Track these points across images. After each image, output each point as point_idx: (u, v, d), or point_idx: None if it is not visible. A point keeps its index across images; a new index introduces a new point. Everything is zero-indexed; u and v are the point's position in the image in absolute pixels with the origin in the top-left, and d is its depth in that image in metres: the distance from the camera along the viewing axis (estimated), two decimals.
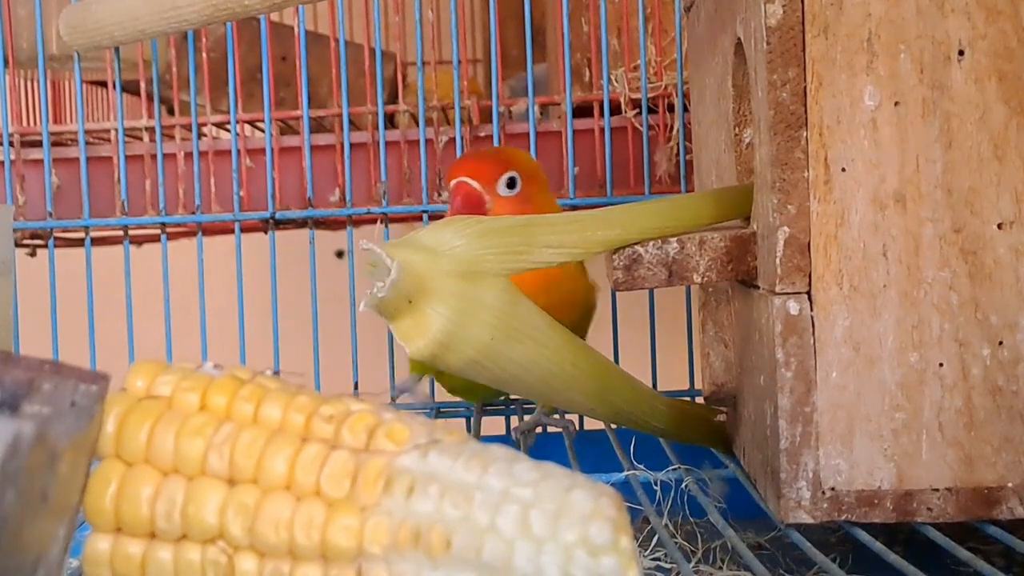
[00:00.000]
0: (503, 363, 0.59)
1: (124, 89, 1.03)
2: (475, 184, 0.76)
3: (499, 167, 0.77)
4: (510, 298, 0.59)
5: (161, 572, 0.45)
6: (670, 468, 0.69)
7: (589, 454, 0.75)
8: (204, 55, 1.01)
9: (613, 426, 0.80)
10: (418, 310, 0.57)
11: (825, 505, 0.54)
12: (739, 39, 0.61)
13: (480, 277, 0.58)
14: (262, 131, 1.09)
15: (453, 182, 0.77)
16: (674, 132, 0.99)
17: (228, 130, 1.03)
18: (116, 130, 0.99)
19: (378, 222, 0.99)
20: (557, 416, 0.84)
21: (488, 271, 0.59)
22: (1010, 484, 0.54)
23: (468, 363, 0.58)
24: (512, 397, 0.97)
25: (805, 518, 0.55)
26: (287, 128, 1.12)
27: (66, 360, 0.43)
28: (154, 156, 0.99)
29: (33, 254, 1.09)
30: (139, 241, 1.11)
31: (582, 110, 1.03)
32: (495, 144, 0.97)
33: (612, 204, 0.95)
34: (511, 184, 0.77)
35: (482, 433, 0.88)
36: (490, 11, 0.95)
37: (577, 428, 0.86)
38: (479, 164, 0.78)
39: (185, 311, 0.99)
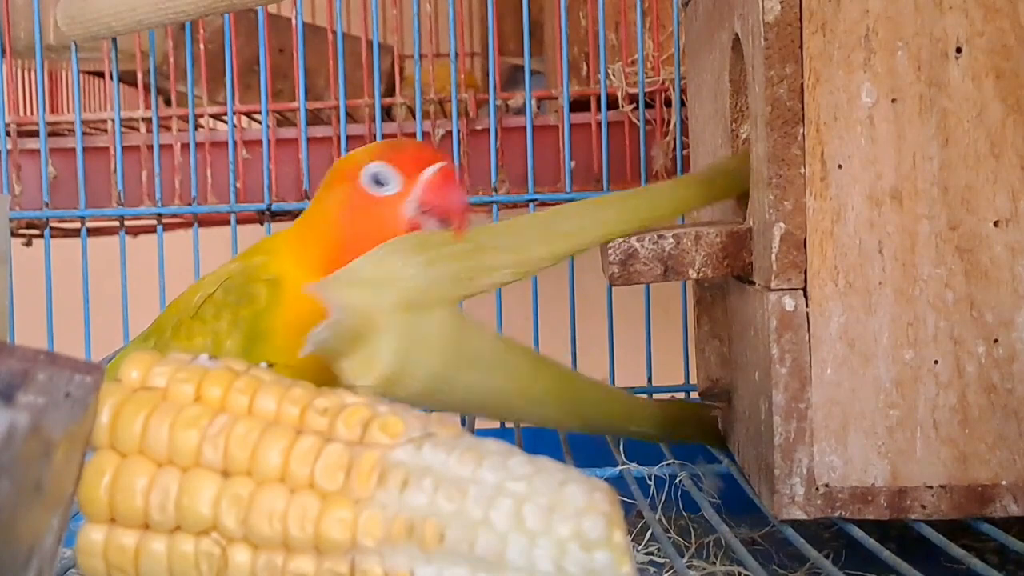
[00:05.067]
0: (457, 390, 0.59)
1: (121, 80, 1.02)
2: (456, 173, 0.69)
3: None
4: (457, 325, 0.59)
5: (154, 563, 0.45)
6: (664, 463, 0.69)
7: (583, 449, 0.75)
8: (201, 46, 1.00)
9: None
10: (364, 347, 0.56)
11: (819, 501, 0.54)
12: (737, 35, 0.61)
13: (427, 307, 0.58)
14: (259, 123, 1.09)
15: (437, 165, 0.64)
16: (671, 127, 0.99)
17: (225, 121, 1.03)
18: (113, 121, 0.98)
19: None
20: None
21: (435, 301, 0.58)
22: (1004, 482, 0.54)
23: (420, 394, 0.57)
24: None
25: (799, 514, 0.55)
26: (284, 120, 1.12)
27: (61, 350, 0.43)
28: (151, 147, 0.99)
29: (29, 244, 1.09)
30: (135, 232, 1.11)
31: (579, 104, 1.03)
32: (493, 138, 0.97)
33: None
34: None
35: (476, 427, 0.88)
36: (488, 5, 0.95)
37: None
38: (444, 154, 0.70)
39: None
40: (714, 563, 0.68)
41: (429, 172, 0.62)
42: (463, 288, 0.59)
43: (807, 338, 0.54)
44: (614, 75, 1.00)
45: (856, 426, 0.54)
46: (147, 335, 0.67)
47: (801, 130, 0.54)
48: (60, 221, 1.00)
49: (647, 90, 0.99)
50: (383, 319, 0.56)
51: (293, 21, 0.99)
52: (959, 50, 0.54)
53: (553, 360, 0.66)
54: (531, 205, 0.96)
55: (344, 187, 0.64)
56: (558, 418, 0.65)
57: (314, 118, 1.07)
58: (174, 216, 1.01)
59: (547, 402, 0.63)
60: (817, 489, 0.54)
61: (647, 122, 0.99)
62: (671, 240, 0.60)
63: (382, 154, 0.64)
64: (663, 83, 1.00)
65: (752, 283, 0.59)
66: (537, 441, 0.79)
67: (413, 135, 1.01)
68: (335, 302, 0.56)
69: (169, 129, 1.04)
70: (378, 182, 0.62)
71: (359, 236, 0.60)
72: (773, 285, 0.54)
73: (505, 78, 1.23)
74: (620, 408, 0.68)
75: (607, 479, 0.65)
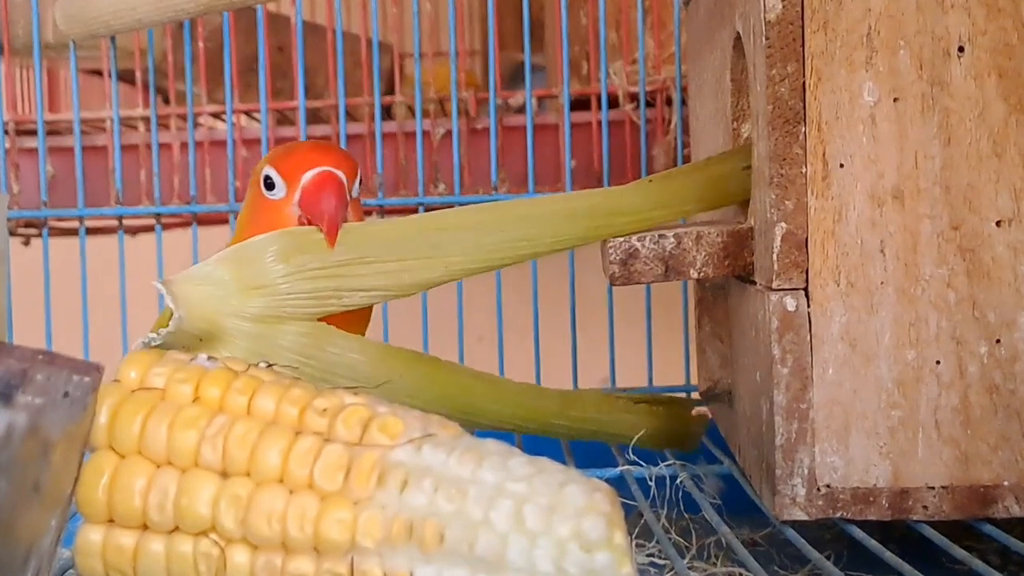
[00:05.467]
0: None
1: (120, 78, 1.02)
2: (343, 177, 0.62)
3: (355, 163, 0.64)
4: (315, 341, 0.57)
5: (153, 564, 0.45)
6: (665, 463, 0.69)
7: (584, 449, 0.75)
8: (200, 45, 1.00)
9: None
10: (210, 350, 0.55)
11: (820, 502, 0.54)
12: (738, 33, 0.61)
13: (282, 321, 0.56)
14: (258, 121, 1.09)
15: (316, 170, 0.61)
16: (672, 126, 0.99)
17: (224, 120, 1.02)
18: (111, 119, 0.98)
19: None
20: None
21: (291, 317, 0.57)
22: (1006, 483, 0.54)
23: None
24: None
25: (800, 515, 0.54)
26: (283, 119, 1.12)
27: (60, 350, 0.43)
28: (149, 146, 0.98)
29: (27, 243, 1.08)
30: (134, 231, 1.11)
31: (580, 103, 1.03)
32: (493, 137, 0.96)
33: None
34: (359, 184, 0.65)
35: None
36: (488, 3, 0.95)
37: None
38: (340, 157, 0.63)
39: None
40: (715, 564, 0.68)
41: (307, 177, 0.61)
42: (325, 307, 0.58)
43: (808, 338, 0.54)
44: (615, 74, 1.00)
45: (858, 426, 0.54)
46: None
47: (803, 129, 0.54)
48: (58, 220, 1.00)
49: (648, 89, 0.99)
50: (230, 325, 0.55)
51: (292, 19, 0.99)
52: (961, 49, 0.53)
53: (448, 362, 0.64)
54: None
55: (252, 191, 0.64)
56: (458, 418, 0.64)
57: (314, 117, 1.07)
58: (173, 215, 1.00)
59: (443, 405, 0.61)
60: (818, 490, 0.54)
61: (648, 121, 0.99)
62: (672, 240, 0.60)
63: (273, 158, 0.63)
64: (664, 82, 1.00)
65: (753, 283, 0.59)
66: (537, 442, 0.79)
67: (413, 134, 1.00)
68: (180, 300, 0.55)
69: (168, 128, 1.04)
70: (268, 186, 0.62)
71: None
72: (774, 285, 0.54)
73: (507, 74, 1.23)
74: (532, 404, 0.67)
75: (607, 479, 0.65)
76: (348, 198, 0.61)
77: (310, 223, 0.60)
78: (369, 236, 0.60)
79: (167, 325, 0.63)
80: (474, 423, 0.65)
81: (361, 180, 0.64)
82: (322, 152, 0.63)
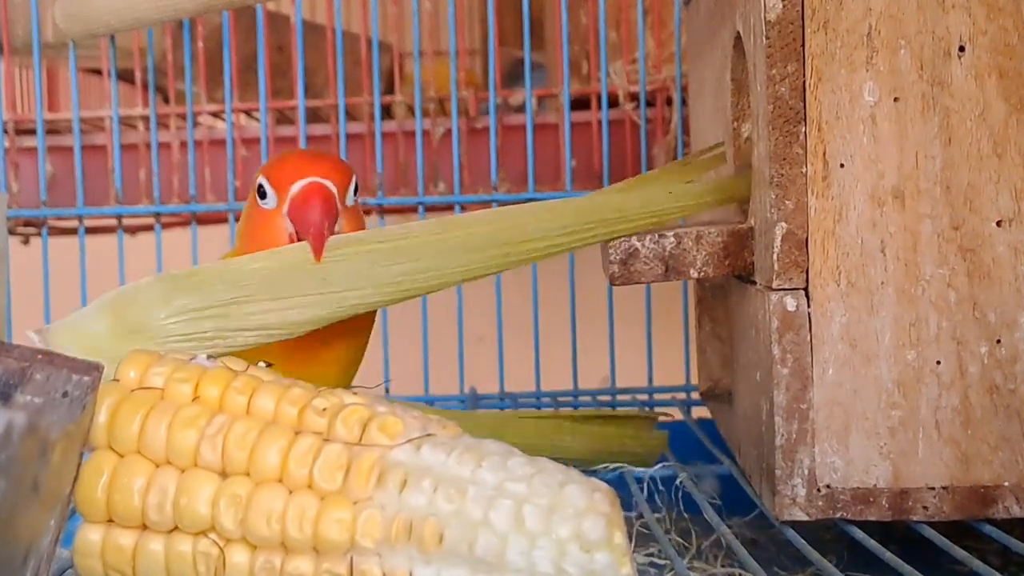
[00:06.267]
0: None
1: (119, 78, 1.02)
2: (333, 188, 0.60)
3: (348, 171, 0.62)
4: None
5: (152, 563, 0.45)
6: (665, 464, 0.69)
7: None
8: (200, 44, 1.00)
9: None
10: None
11: (820, 503, 0.54)
12: (738, 33, 0.61)
13: None
14: (258, 121, 1.09)
15: (304, 181, 0.59)
16: (672, 126, 0.99)
17: (223, 119, 1.02)
18: (111, 118, 0.98)
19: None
20: None
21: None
22: (1007, 483, 0.54)
23: None
24: (507, 390, 0.97)
25: (800, 515, 0.54)
26: (283, 118, 1.12)
27: (59, 350, 0.43)
28: (149, 145, 0.98)
29: (27, 242, 1.08)
30: (133, 230, 1.11)
31: (580, 103, 1.03)
32: (492, 137, 0.96)
33: None
34: (355, 191, 0.62)
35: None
36: (488, 2, 0.95)
37: None
38: (331, 165, 0.61)
39: None
40: (715, 564, 0.68)
41: (294, 189, 0.59)
42: (208, 349, 0.56)
43: (808, 338, 0.54)
44: (615, 73, 1.00)
45: (858, 427, 0.54)
46: None
47: (803, 129, 0.54)
48: (58, 219, 1.00)
49: (648, 88, 0.99)
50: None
51: (292, 19, 0.99)
52: (962, 49, 0.53)
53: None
54: None
55: (250, 199, 0.62)
56: None
57: (313, 116, 1.07)
58: (172, 215, 1.00)
59: None
60: (819, 490, 0.54)
61: (648, 121, 0.99)
62: (672, 239, 0.59)
63: (267, 168, 0.62)
64: (664, 82, 1.00)
65: (753, 283, 0.59)
66: None
67: (413, 133, 1.00)
68: (57, 349, 0.52)
69: (167, 127, 1.04)
70: (261, 195, 0.61)
71: (259, 249, 0.59)
72: (775, 285, 0.54)
73: (507, 71, 1.23)
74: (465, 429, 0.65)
75: (607, 480, 0.65)
76: (338, 208, 0.59)
77: (299, 236, 0.59)
78: (252, 273, 0.58)
79: None
80: None
81: (357, 187, 0.62)
82: (312, 161, 0.61)
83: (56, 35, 0.97)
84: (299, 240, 0.59)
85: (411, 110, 1.03)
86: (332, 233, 0.58)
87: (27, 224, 1.04)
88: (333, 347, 0.61)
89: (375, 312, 0.63)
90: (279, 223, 0.60)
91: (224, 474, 0.44)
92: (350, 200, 0.61)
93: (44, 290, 0.96)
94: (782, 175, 0.54)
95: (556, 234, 0.60)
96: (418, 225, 0.60)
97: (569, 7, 0.97)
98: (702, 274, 0.60)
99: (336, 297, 0.57)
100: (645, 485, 0.68)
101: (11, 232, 1.01)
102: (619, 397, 0.97)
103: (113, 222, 1.00)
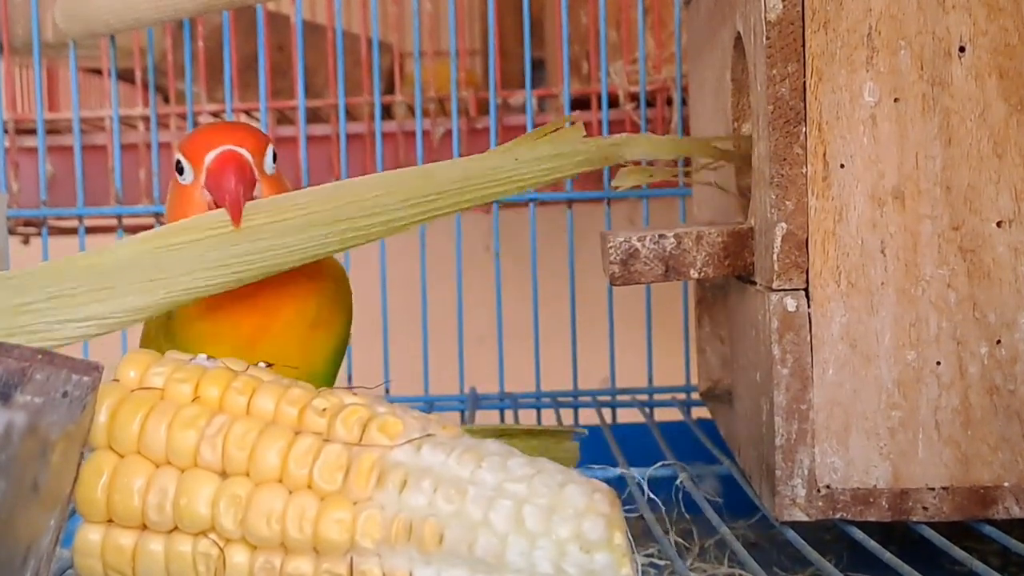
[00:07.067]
0: None
1: (120, 77, 1.02)
2: (248, 155, 0.59)
3: (263, 138, 0.60)
4: None
5: (152, 564, 0.45)
6: (665, 464, 0.69)
7: (584, 450, 0.75)
8: (200, 44, 1.00)
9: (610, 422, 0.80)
10: None
11: (820, 503, 0.54)
12: (739, 33, 0.61)
13: None
14: (258, 121, 1.09)
15: (217, 150, 0.58)
16: (672, 126, 0.99)
17: (224, 119, 1.02)
18: (111, 118, 0.98)
19: None
20: None
21: None
22: (1006, 483, 0.54)
23: None
24: (507, 390, 0.97)
25: (800, 516, 0.54)
26: (283, 118, 1.12)
27: (59, 350, 0.43)
28: (149, 145, 0.98)
29: (27, 242, 1.08)
30: (133, 230, 1.10)
31: (580, 103, 1.02)
32: (493, 137, 0.96)
33: (609, 198, 0.95)
34: (274, 159, 0.61)
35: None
36: (488, 2, 0.95)
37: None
38: (245, 133, 0.60)
39: None
40: (715, 565, 0.68)
41: (208, 158, 0.58)
42: (35, 341, 0.54)
43: (809, 339, 0.54)
44: (615, 73, 1.00)
45: (858, 427, 0.54)
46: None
47: (803, 129, 0.54)
48: (58, 219, 1.00)
49: (648, 88, 0.99)
50: None
51: (292, 19, 0.99)
52: (962, 49, 0.53)
53: None
54: (531, 205, 0.96)
55: (172, 179, 0.61)
56: None
57: (313, 116, 1.07)
58: None
59: None
60: (818, 490, 0.54)
61: (648, 121, 0.99)
62: (672, 240, 0.59)
63: (182, 143, 0.61)
64: (664, 82, 1.00)
65: (753, 283, 0.59)
66: None
67: (413, 133, 1.00)
68: None
69: (168, 127, 1.04)
70: (179, 171, 0.60)
71: None
72: (775, 285, 0.54)
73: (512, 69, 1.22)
74: None
75: (607, 480, 0.65)
76: (255, 175, 0.58)
77: (217, 204, 0.58)
78: (73, 264, 0.57)
79: (154, 330, 0.62)
80: None
81: (275, 155, 0.60)
82: (223, 131, 0.60)
83: (56, 35, 0.97)
84: (217, 208, 0.58)
85: (411, 110, 1.03)
86: (250, 199, 0.57)
87: (27, 224, 1.04)
88: (279, 313, 0.60)
89: (324, 274, 0.61)
90: (198, 196, 0.59)
91: (224, 474, 0.44)
92: (269, 168, 0.60)
93: None
94: (782, 175, 0.54)
95: (395, 207, 0.59)
96: (256, 204, 0.58)
97: (569, 7, 0.97)
98: (702, 274, 0.60)
99: (166, 284, 0.56)
100: (645, 485, 0.68)
101: (11, 232, 1.01)
102: (619, 397, 0.97)
103: (113, 222, 1.00)
